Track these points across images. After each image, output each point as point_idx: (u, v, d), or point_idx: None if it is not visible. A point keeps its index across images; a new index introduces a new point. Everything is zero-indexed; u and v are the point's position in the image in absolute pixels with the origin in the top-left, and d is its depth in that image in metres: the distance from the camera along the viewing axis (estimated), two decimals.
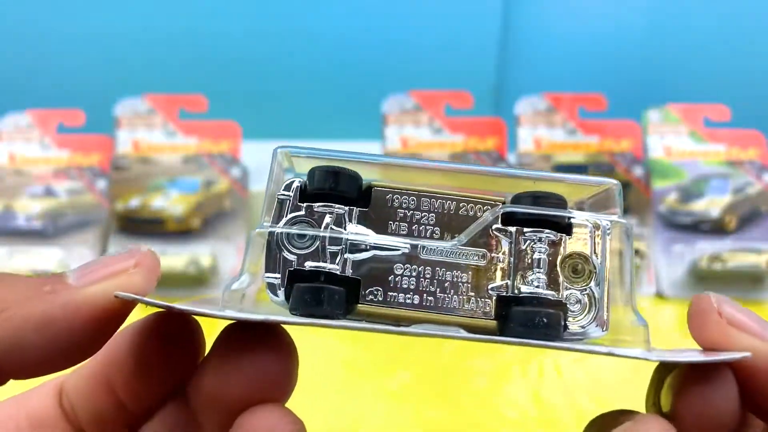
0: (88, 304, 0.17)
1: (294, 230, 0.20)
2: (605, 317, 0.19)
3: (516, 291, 0.19)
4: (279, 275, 0.19)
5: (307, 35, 0.74)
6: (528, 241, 0.20)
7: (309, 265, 0.19)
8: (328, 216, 0.20)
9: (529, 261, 0.20)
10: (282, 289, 0.19)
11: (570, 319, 0.19)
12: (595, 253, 0.20)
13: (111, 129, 0.64)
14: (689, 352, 0.19)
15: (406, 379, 0.46)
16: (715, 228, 0.61)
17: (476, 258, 0.20)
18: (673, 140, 0.65)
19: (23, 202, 0.61)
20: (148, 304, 0.17)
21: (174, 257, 0.57)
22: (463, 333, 0.18)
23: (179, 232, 0.60)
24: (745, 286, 0.58)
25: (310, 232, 0.20)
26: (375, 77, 0.74)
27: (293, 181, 0.20)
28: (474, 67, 0.75)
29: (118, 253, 0.19)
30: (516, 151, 0.65)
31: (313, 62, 0.74)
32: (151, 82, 0.69)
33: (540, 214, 0.20)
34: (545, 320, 0.19)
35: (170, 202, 0.61)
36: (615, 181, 0.20)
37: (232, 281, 0.20)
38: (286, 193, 0.20)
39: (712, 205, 0.62)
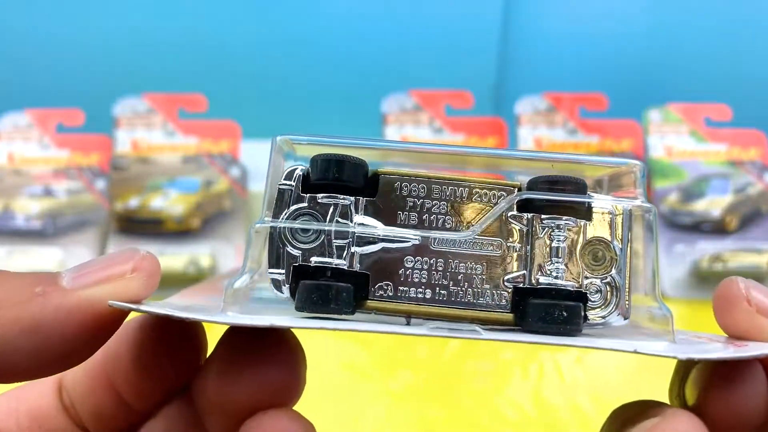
0: (80, 309, 0.16)
1: (297, 225, 0.18)
2: (627, 305, 0.19)
3: (533, 282, 0.18)
4: (283, 271, 0.18)
5: (306, 35, 0.73)
6: (546, 229, 0.18)
7: (314, 260, 0.18)
8: (332, 208, 0.19)
9: (548, 249, 0.18)
10: (287, 285, 0.18)
11: (590, 309, 0.18)
12: (616, 238, 0.19)
13: (110, 129, 0.64)
14: (716, 344, 0.18)
15: (406, 379, 0.45)
16: (716, 228, 0.61)
17: (491, 248, 0.19)
18: (673, 140, 0.65)
19: (22, 202, 0.61)
20: (143, 312, 0.16)
21: (173, 257, 0.57)
22: (481, 334, 0.17)
23: (179, 232, 0.60)
24: None
25: (314, 226, 0.18)
26: (375, 77, 0.73)
27: (295, 169, 0.19)
28: (474, 66, 0.74)
29: (116, 253, 0.18)
30: None
31: (313, 62, 0.74)
32: (150, 81, 0.69)
33: (559, 200, 0.18)
34: (565, 314, 0.18)
35: (169, 202, 0.61)
36: (638, 162, 0.19)
37: (234, 279, 0.18)
38: (288, 182, 0.19)
39: (713, 205, 0.62)
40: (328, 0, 0.73)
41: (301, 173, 0.19)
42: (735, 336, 0.18)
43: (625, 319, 0.19)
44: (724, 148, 0.65)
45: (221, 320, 0.17)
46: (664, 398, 0.19)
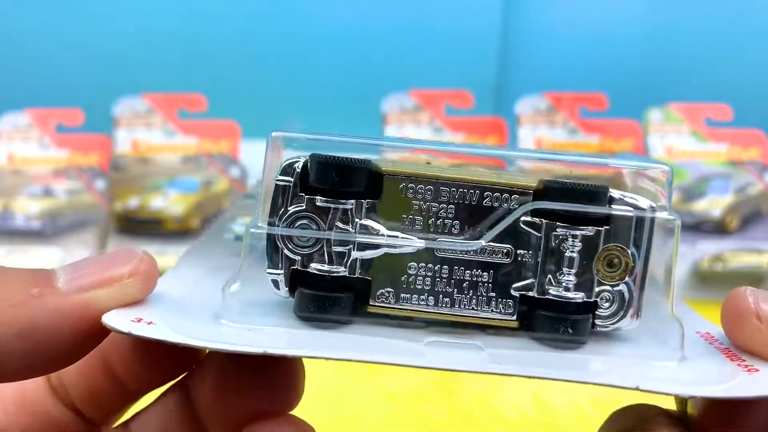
0: (76, 314, 0.16)
1: (294, 232, 0.17)
2: (639, 308, 0.18)
3: (542, 292, 0.18)
4: (281, 272, 0.18)
5: (306, 35, 0.73)
6: (560, 237, 0.17)
7: (314, 266, 0.17)
8: (332, 211, 0.17)
9: (560, 259, 0.17)
10: (286, 286, 0.18)
11: (599, 317, 0.18)
12: (633, 245, 0.17)
13: (110, 128, 0.64)
14: (724, 362, 0.17)
15: (405, 379, 0.45)
16: (717, 228, 0.61)
17: (500, 256, 0.18)
18: (674, 140, 0.65)
19: (22, 202, 0.61)
20: (135, 336, 0.16)
21: (173, 257, 0.57)
22: (484, 350, 0.16)
23: (178, 232, 0.60)
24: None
25: (312, 234, 0.17)
26: (375, 77, 0.73)
27: (293, 163, 0.18)
28: (474, 66, 0.74)
29: (114, 254, 0.17)
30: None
31: (313, 61, 0.74)
32: (150, 81, 0.69)
33: (576, 211, 0.17)
34: (571, 330, 0.17)
35: (169, 202, 0.61)
36: (666, 167, 0.18)
37: (230, 282, 0.18)
38: (285, 178, 0.18)
39: (713, 205, 0.62)
40: (328, 0, 0.73)
41: (299, 169, 0.18)
42: (742, 349, 0.18)
43: (636, 320, 0.18)
44: (724, 148, 0.65)
45: (214, 346, 0.16)
46: (663, 397, 0.19)
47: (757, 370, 0.16)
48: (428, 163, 0.18)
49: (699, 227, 0.61)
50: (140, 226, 0.60)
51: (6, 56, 0.72)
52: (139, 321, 0.16)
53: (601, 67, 0.75)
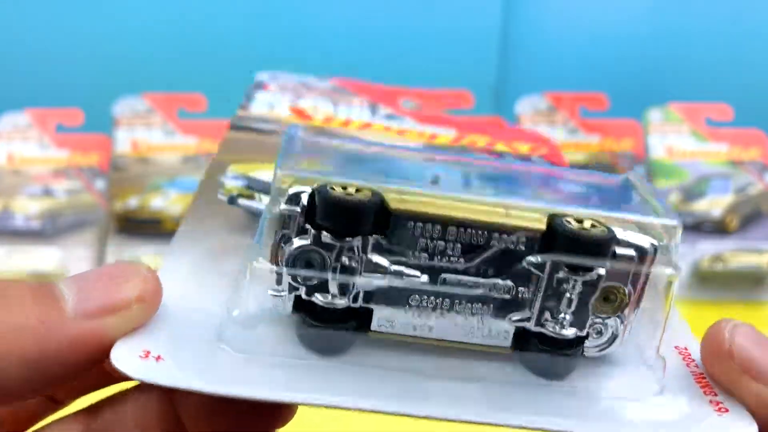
0: (84, 343, 0.16)
1: (299, 272, 0.17)
2: (625, 335, 0.18)
3: (539, 325, 0.18)
4: (285, 293, 0.18)
5: (306, 34, 0.73)
6: (562, 279, 0.18)
7: (318, 298, 0.18)
8: (338, 248, 0.17)
9: (559, 298, 0.18)
10: (289, 306, 0.18)
11: (588, 347, 0.18)
12: (632, 282, 0.18)
13: (110, 128, 0.64)
14: (695, 400, 0.18)
15: None
16: (717, 228, 0.61)
17: (501, 292, 0.18)
18: (674, 140, 0.65)
19: (21, 202, 0.61)
20: (139, 381, 0.16)
21: None
22: (486, 419, 0.17)
23: None
24: (747, 287, 0.58)
25: (317, 275, 0.17)
26: (375, 77, 0.73)
27: (300, 192, 0.17)
28: (474, 66, 0.74)
29: (119, 269, 0.17)
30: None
31: (313, 61, 0.74)
32: (150, 81, 0.68)
33: (583, 265, 0.17)
34: (561, 366, 0.18)
35: (169, 202, 0.61)
36: (675, 222, 0.18)
37: (232, 305, 0.18)
38: (291, 207, 0.17)
39: (713, 205, 0.62)
40: (328, 0, 0.73)
41: (304, 201, 0.17)
42: (717, 384, 0.18)
43: (627, 336, 0.18)
44: (724, 148, 0.65)
45: (219, 390, 0.16)
46: None
47: (727, 411, 0.17)
48: (434, 182, 0.19)
49: (699, 227, 0.61)
50: (140, 226, 0.60)
51: (6, 56, 0.72)
52: (146, 355, 0.16)
53: (601, 67, 0.75)
